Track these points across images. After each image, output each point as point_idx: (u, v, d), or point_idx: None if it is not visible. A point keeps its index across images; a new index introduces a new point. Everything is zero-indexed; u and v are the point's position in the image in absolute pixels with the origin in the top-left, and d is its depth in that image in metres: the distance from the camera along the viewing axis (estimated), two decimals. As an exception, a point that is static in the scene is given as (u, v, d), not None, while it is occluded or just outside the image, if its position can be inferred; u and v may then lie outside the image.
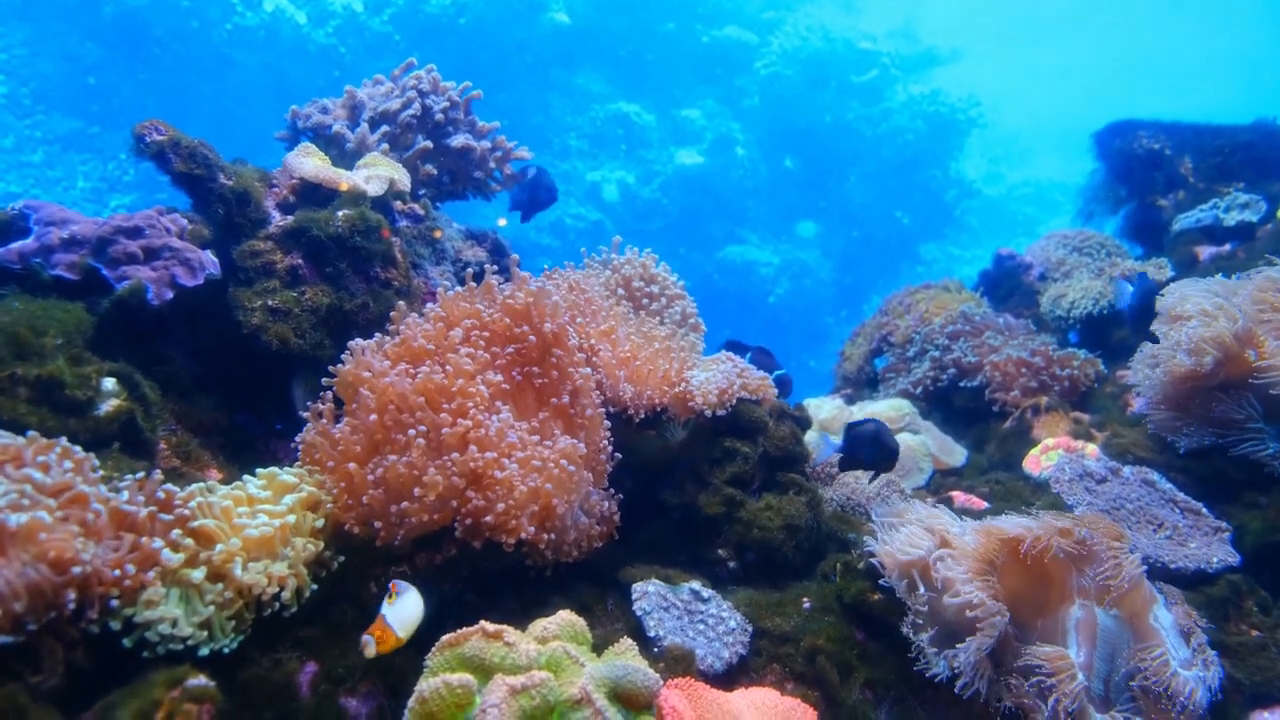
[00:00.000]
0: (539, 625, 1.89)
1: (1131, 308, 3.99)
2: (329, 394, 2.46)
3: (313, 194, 3.06)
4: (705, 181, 16.68)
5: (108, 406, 2.28)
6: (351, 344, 2.49)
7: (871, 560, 2.39)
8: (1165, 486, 2.98)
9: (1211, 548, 2.72)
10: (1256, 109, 5.10)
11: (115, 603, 1.75)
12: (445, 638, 1.78)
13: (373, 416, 2.27)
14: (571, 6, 16.20)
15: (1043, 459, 3.45)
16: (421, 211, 3.45)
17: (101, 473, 1.92)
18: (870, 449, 2.74)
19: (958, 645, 2.09)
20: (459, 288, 2.69)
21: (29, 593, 1.60)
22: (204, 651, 1.84)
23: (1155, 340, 3.22)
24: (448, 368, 2.36)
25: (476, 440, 2.22)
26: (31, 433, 1.87)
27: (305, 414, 2.45)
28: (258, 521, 2.06)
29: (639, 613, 2.27)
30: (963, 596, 2.07)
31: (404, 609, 1.92)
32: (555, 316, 2.60)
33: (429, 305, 2.72)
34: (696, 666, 2.14)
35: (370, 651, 1.84)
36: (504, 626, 1.80)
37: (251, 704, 1.87)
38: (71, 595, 1.67)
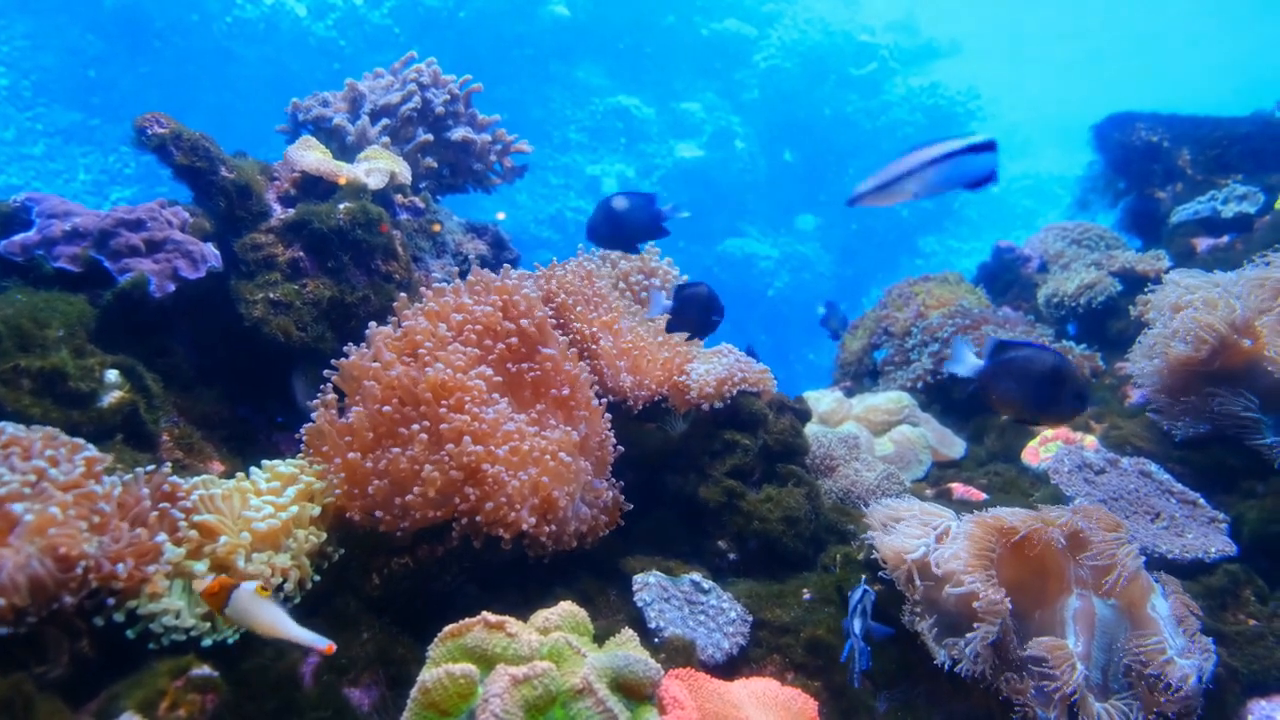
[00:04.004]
0: (541, 616, 1.90)
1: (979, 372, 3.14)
2: (329, 386, 2.47)
3: (314, 187, 3.06)
4: (705, 175, 16.65)
5: (111, 398, 2.29)
6: (369, 331, 2.49)
7: (872, 553, 2.41)
8: (1163, 477, 2.99)
9: (1209, 538, 2.73)
10: (1254, 101, 5.10)
11: (116, 598, 1.76)
12: (448, 628, 1.79)
13: (383, 407, 2.28)
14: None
15: (1041, 450, 3.45)
16: (422, 204, 3.46)
17: (105, 466, 1.93)
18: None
19: (960, 634, 2.10)
20: (456, 281, 2.70)
21: (31, 585, 1.61)
22: (207, 642, 1.85)
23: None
24: (443, 367, 2.36)
25: (472, 433, 2.22)
26: (49, 428, 1.89)
27: (309, 405, 2.46)
28: (263, 514, 2.07)
29: (640, 604, 2.28)
30: (964, 588, 2.08)
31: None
32: (532, 312, 2.60)
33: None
34: (697, 657, 2.16)
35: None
36: (506, 617, 1.81)
37: (255, 694, 1.88)
38: (75, 589, 1.68)
